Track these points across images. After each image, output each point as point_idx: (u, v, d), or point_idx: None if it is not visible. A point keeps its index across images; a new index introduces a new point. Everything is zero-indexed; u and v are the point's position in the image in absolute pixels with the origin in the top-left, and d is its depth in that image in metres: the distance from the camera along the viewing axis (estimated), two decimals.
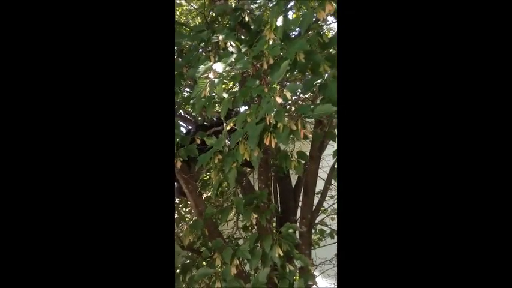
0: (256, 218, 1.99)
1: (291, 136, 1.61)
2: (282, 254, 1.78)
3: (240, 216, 2.34)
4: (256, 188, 2.67)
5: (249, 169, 2.72)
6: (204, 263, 2.06)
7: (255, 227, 2.54)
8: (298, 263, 1.83)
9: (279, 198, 2.73)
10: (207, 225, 2.19)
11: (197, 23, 3.09)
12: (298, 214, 2.53)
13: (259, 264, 1.90)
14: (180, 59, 2.00)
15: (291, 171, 2.75)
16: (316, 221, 2.66)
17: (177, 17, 3.21)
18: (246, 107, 2.48)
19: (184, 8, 3.27)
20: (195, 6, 3.16)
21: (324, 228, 2.96)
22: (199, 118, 2.88)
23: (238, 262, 1.85)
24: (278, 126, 1.61)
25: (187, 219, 2.89)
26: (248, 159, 1.73)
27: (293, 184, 2.81)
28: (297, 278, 1.86)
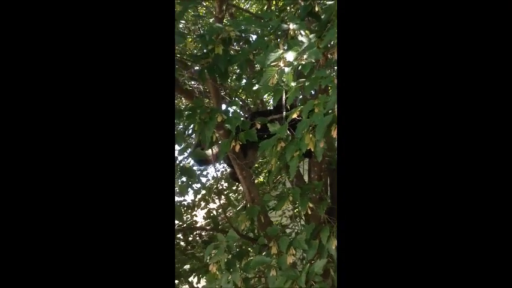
0: (309, 208, 1.98)
1: None
2: None
3: (290, 205, 2.33)
4: (305, 178, 2.66)
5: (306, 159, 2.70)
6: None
7: (303, 217, 2.53)
8: None
9: (329, 190, 2.71)
10: (262, 212, 2.20)
11: (255, 9, 3.07)
12: None
13: None
14: (245, 46, 1.99)
15: None
16: None
17: (236, 1, 3.20)
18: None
19: None
20: None
21: None
22: (252, 106, 2.89)
23: (294, 251, 1.85)
24: None
25: (235, 204, 2.92)
26: (312, 150, 1.72)
27: None
28: None
